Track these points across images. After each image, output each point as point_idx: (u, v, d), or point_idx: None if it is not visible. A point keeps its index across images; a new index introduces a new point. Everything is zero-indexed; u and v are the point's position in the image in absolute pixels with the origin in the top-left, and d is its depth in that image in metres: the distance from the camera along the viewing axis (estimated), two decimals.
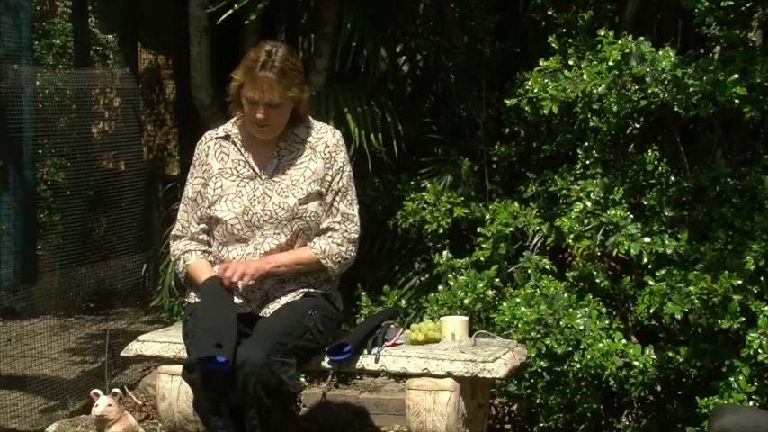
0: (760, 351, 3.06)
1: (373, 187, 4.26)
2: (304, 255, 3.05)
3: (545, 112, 3.47)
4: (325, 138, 3.11)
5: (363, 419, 4.00)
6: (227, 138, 3.13)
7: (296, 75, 2.99)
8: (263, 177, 3.06)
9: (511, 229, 3.62)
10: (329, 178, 3.07)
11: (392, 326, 3.21)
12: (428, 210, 3.99)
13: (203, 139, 3.18)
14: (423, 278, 4.23)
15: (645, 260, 3.24)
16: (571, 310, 3.31)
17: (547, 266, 3.54)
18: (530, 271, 3.55)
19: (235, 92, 3.04)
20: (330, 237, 3.07)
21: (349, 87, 4.43)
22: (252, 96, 2.96)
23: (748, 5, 3.33)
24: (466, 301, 3.52)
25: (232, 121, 3.16)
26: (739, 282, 3.08)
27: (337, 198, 3.08)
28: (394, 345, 3.13)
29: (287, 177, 3.06)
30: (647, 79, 3.26)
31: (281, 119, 3.04)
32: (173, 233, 3.20)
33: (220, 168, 3.09)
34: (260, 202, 3.04)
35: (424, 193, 4.02)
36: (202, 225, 3.12)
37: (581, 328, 3.27)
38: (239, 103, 3.05)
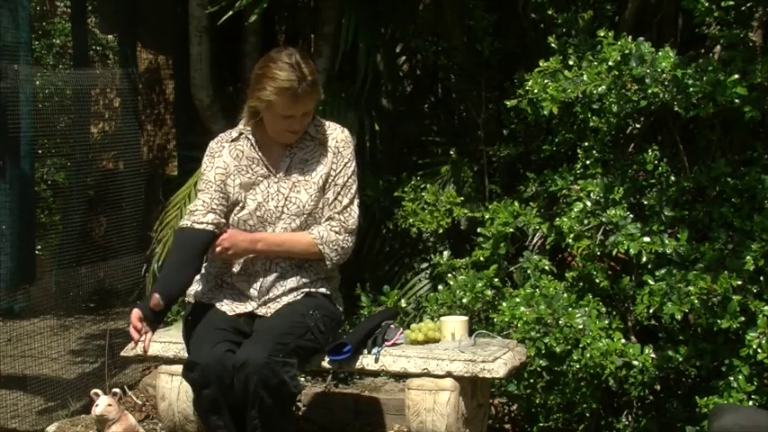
0: (759, 351, 3.06)
1: (373, 187, 4.27)
2: (301, 240, 3.05)
3: (545, 112, 3.47)
4: (334, 134, 3.14)
5: (363, 419, 4.00)
6: (239, 138, 3.14)
7: (318, 77, 3.05)
8: (278, 176, 3.08)
9: (511, 229, 3.62)
10: (334, 173, 3.09)
11: (392, 326, 3.21)
12: (427, 210, 3.99)
13: (219, 139, 3.18)
14: (423, 278, 4.23)
15: (644, 260, 3.24)
16: (570, 309, 3.31)
17: (546, 267, 3.54)
18: (529, 271, 3.55)
19: (260, 109, 3.02)
20: (328, 225, 3.08)
21: (349, 87, 4.43)
22: (293, 113, 2.98)
23: (748, 5, 3.33)
24: (465, 301, 3.52)
25: (243, 122, 3.17)
26: (739, 282, 3.08)
27: (341, 192, 3.09)
28: (394, 345, 3.13)
29: (299, 174, 3.08)
30: (647, 80, 3.26)
31: (309, 120, 3.09)
32: (190, 208, 3.13)
33: (236, 166, 3.10)
34: (273, 199, 3.06)
35: (423, 193, 4.02)
36: (222, 207, 3.08)
37: (580, 327, 3.27)
38: (254, 116, 3.07)
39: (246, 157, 3.11)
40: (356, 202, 3.14)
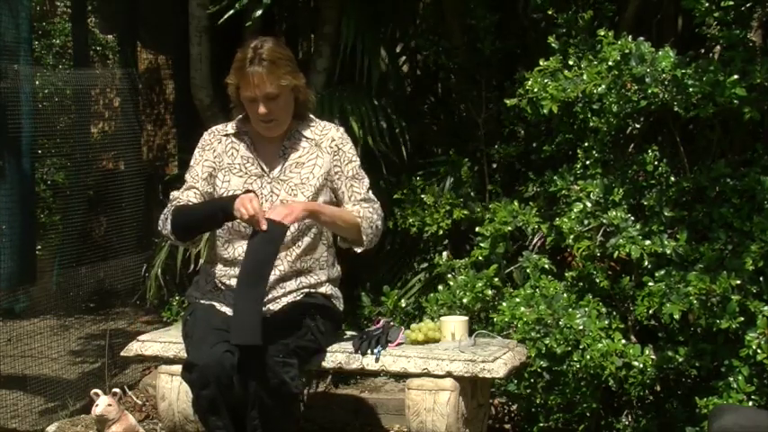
0: (759, 351, 3.06)
1: (372, 187, 4.26)
2: (346, 214, 3.04)
3: (545, 111, 3.47)
4: (329, 133, 3.12)
5: (363, 419, 4.00)
6: (236, 134, 3.13)
7: (286, 63, 2.99)
8: (271, 176, 3.07)
9: (509, 228, 3.62)
10: (338, 169, 3.07)
11: (392, 324, 3.21)
12: (427, 211, 3.99)
13: (213, 131, 3.17)
14: (423, 278, 4.23)
15: (645, 263, 3.24)
16: (571, 310, 3.31)
17: (546, 266, 3.54)
18: (528, 271, 3.55)
19: (234, 95, 3.04)
20: (365, 206, 3.07)
21: (349, 88, 4.44)
22: (249, 94, 2.96)
23: (748, 5, 3.33)
24: (465, 301, 3.52)
25: (239, 118, 3.16)
26: (738, 282, 3.08)
27: (355, 183, 3.08)
28: (399, 345, 3.12)
29: (295, 176, 3.06)
30: (647, 79, 3.26)
31: (284, 111, 3.03)
32: (176, 195, 3.11)
33: (230, 163, 3.09)
34: (267, 200, 3.04)
35: (423, 195, 4.02)
36: (208, 196, 3.09)
37: (580, 328, 3.27)
38: (241, 106, 3.06)
39: (242, 156, 3.09)
40: (371, 192, 3.13)
